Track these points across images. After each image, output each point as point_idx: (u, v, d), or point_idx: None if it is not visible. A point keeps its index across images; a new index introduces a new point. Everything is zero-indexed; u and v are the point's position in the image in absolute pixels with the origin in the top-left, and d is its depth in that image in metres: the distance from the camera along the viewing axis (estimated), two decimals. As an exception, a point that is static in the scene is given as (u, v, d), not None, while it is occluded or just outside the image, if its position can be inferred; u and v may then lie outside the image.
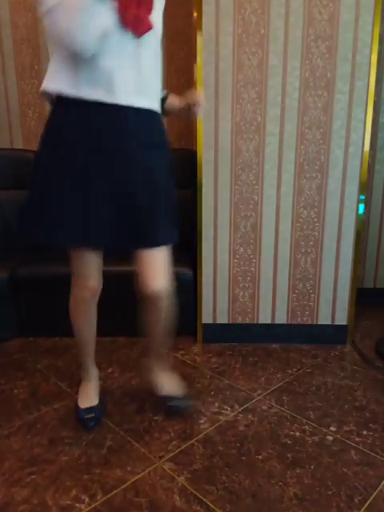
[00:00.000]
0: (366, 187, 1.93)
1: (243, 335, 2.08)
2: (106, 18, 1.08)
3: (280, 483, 1.22)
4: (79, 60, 1.12)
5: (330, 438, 1.41)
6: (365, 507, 1.14)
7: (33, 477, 1.24)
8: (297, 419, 1.51)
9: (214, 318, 2.07)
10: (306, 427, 1.46)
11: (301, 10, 1.75)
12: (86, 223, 1.21)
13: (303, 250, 1.99)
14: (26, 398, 1.64)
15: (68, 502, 1.15)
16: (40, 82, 2.50)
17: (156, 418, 1.51)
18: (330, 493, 1.18)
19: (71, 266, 1.39)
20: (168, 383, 1.55)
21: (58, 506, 1.14)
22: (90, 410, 1.49)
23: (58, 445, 1.37)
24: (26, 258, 2.21)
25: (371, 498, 1.16)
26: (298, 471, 1.26)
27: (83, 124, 1.18)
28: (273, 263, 2.01)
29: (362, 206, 1.92)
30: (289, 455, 1.33)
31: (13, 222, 2.44)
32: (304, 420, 1.50)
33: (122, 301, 2.11)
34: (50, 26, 1.10)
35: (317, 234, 1.97)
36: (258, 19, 1.76)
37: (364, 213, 1.96)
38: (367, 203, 2.49)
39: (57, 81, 1.17)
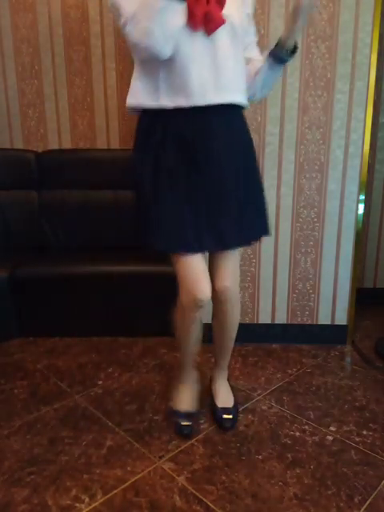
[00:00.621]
0: (365, 187, 1.93)
1: (243, 335, 2.07)
2: (176, 18, 1.10)
3: (280, 483, 1.22)
4: (156, 69, 1.17)
5: (330, 437, 1.41)
6: (365, 507, 1.14)
7: (33, 477, 1.24)
8: (297, 419, 1.51)
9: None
10: (306, 427, 1.46)
11: (301, 10, 1.75)
12: (194, 228, 1.22)
13: (303, 250, 1.99)
14: (25, 397, 1.64)
15: (68, 502, 1.15)
16: (40, 82, 2.51)
17: (156, 417, 1.51)
18: (329, 493, 1.18)
19: (178, 273, 1.29)
20: (224, 394, 1.54)
21: (57, 506, 1.14)
22: (189, 416, 1.45)
23: (57, 445, 1.37)
24: (26, 257, 2.21)
25: (371, 497, 1.16)
26: (297, 471, 1.26)
27: (168, 133, 1.20)
28: (273, 263, 2.01)
29: (361, 206, 1.92)
30: (289, 455, 1.33)
31: (13, 222, 2.44)
32: (304, 420, 1.50)
33: (122, 301, 2.11)
34: (127, 37, 1.12)
35: (317, 234, 1.97)
36: (258, 19, 1.76)
37: (364, 213, 1.96)
38: (367, 203, 2.49)
39: (137, 95, 1.22)
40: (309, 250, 1.99)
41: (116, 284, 2.08)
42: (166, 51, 1.11)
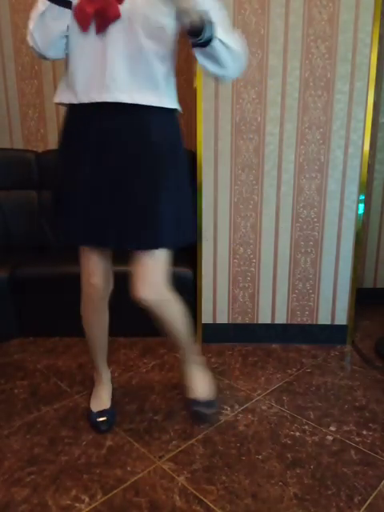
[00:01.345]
0: (365, 187, 1.93)
1: (243, 335, 2.08)
2: (59, 22, 1.14)
3: (280, 483, 1.22)
4: (65, 68, 1.22)
5: (330, 437, 1.41)
6: (365, 507, 1.14)
7: (33, 477, 1.24)
8: (297, 419, 1.51)
9: (214, 317, 2.07)
10: (306, 427, 1.46)
11: (301, 10, 1.75)
12: (87, 222, 1.24)
13: (303, 250, 1.99)
14: (26, 397, 1.64)
15: (68, 502, 1.15)
16: (40, 82, 2.51)
17: (156, 417, 1.51)
18: (329, 493, 1.18)
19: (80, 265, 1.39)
20: (196, 386, 1.48)
21: (58, 506, 1.14)
22: (102, 413, 1.47)
23: (57, 445, 1.37)
24: (26, 257, 2.21)
25: (371, 497, 1.17)
26: (297, 471, 1.26)
27: (72, 126, 1.25)
28: (273, 263, 2.01)
29: (361, 206, 1.92)
30: (289, 455, 1.33)
31: (13, 222, 2.44)
32: (304, 420, 1.50)
33: (122, 301, 2.11)
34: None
35: (317, 234, 1.97)
36: (258, 19, 1.76)
37: (364, 213, 1.96)
38: (367, 203, 2.48)
39: (57, 92, 1.27)
40: (309, 250, 1.99)
41: (116, 284, 2.08)
42: (48, 53, 1.20)
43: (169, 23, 1.14)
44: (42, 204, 2.44)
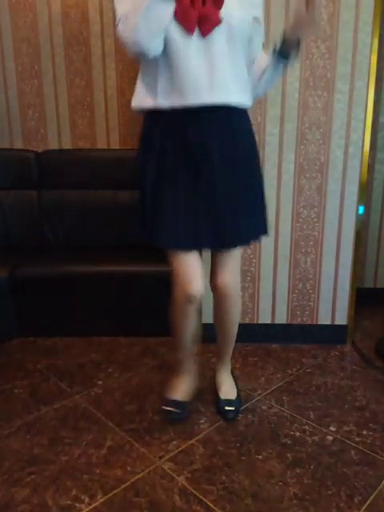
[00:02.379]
0: (366, 187, 1.93)
1: (243, 335, 2.07)
2: (164, 14, 1.11)
3: (280, 483, 1.22)
4: (155, 70, 1.21)
5: (330, 437, 1.41)
6: (365, 507, 1.14)
7: (33, 477, 1.24)
8: (297, 419, 1.51)
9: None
10: (306, 427, 1.46)
11: (301, 10, 1.75)
12: (189, 225, 1.26)
13: (303, 250, 1.99)
14: (25, 397, 1.64)
15: (68, 502, 1.15)
16: (40, 82, 2.51)
17: (156, 417, 1.51)
18: (329, 493, 1.18)
19: (174, 268, 1.34)
20: (227, 387, 1.58)
21: (58, 506, 1.14)
22: (179, 404, 1.48)
23: (57, 445, 1.37)
24: (26, 257, 2.21)
25: (371, 497, 1.17)
26: (297, 471, 1.26)
27: (167, 133, 1.24)
28: (273, 263, 2.01)
29: (361, 206, 1.92)
30: (289, 455, 1.33)
31: (13, 222, 2.44)
32: (304, 420, 1.50)
33: (122, 301, 2.11)
34: (119, 34, 1.16)
35: (317, 234, 1.97)
36: (258, 19, 1.76)
37: (364, 213, 1.96)
38: (367, 203, 2.49)
39: (138, 96, 1.27)
40: (309, 250, 1.99)
41: (116, 284, 2.08)
42: (153, 48, 1.15)
43: (250, 31, 1.24)
44: (42, 204, 2.44)
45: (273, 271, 2.02)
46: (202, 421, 1.49)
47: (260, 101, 1.83)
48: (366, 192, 1.95)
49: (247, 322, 2.07)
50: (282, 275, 2.02)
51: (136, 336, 2.14)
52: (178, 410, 1.47)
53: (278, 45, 1.24)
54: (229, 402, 1.53)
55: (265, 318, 2.07)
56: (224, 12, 1.16)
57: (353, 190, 1.91)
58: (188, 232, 1.26)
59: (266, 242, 1.98)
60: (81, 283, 2.09)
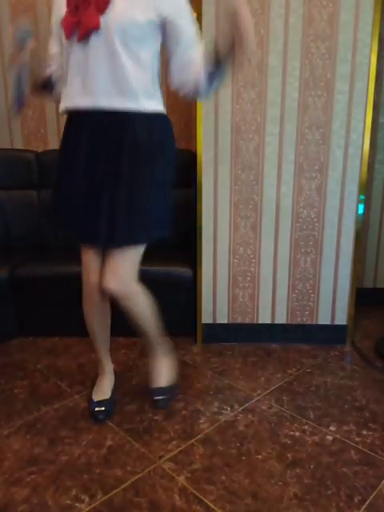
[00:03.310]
0: (365, 187, 1.93)
1: (243, 335, 2.08)
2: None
3: (280, 483, 1.22)
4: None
5: (330, 437, 1.41)
6: (364, 507, 1.14)
7: (33, 477, 1.24)
8: (297, 419, 1.51)
9: (214, 317, 2.07)
10: (306, 427, 1.46)
11: (301, 10, 1.75)
12: (81, 221, 1.33)
13: (303, 250, 1.99)
14: (25, 398, 1.64)
15: (68, 502, 1.15)
16: (40, 82, 2.51)
17: (156, 417, 1.51)
18: (329, 493, 1.18)
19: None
20: (157, 375, 1.60)
21: (58, 506, 1.14)
22: (100, 403, 1.53)
23: (57, 445, 1.37)
24: (26, 257, 2.21)
25: (371, 497, 1.17)
26: (297, 471, 1.26)
27: (66, 130, 1.36)
28: (273, 263, 2.01)
29: (361, 206, 1.92)
30: (289, 455, 1.33)
31: (13, 222, 2.44)
32: (304, 420, 1.50)
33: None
34: None
35: (317, 234, 1.97)
36: (258, 19, 1.76)
37: (364, 213, 1.96)
38: (367, 203, 2.49)
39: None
40: (309, 250, 1.99)
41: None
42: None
43: (146, 34, 1.22)
44: (42, 204, 2.44)
45: (273, 271, 2.02)
46: (202, 421, 1.49)
47: (260, 101, 1.83)
48: (365, 192, 1.95)
49: (247, 321, 2.07)
50: (281, 275, 2.02)
51: (136, 336, 2.13)
52: (105, 407, 1.52)
53: (212, 53, 1.22)
54: (157, 391, 1.57)
55: (265, 318, 2.07)
56: (108, 17, 1.18)
57: (353, 190, 1.91)
58: (83, 228, 1.33)
59: (266, 241, 1.98)
60: (81, 283, 2.09)
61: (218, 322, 2.08)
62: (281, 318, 2.07)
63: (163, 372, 1.60)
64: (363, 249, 2.58)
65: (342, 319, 2.06)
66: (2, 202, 2.43)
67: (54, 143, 2.58)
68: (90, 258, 1.40)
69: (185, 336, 2.12)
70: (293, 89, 1.82)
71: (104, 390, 1.57)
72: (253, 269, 2.02)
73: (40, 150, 2.53)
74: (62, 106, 1.32)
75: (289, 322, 2.08)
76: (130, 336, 2.13)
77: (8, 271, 2.06)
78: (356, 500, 1.16)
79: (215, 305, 2.06)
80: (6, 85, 2.53)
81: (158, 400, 1.56)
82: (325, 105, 1.83)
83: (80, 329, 2.16)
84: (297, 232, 1.97)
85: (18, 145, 2.60)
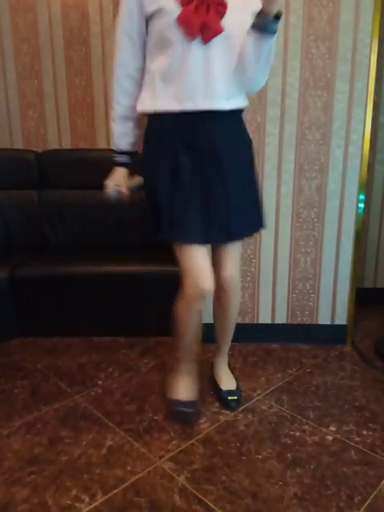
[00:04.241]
0: (365, 187, 1.93)
1: (243, 335, 2.08)
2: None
3: (280, 483, 1.22)
4: (153, 75, 1.26)
5: (330, 437, 1.41)
6: (364, 507, 1.14)
7: (33, 477, 1.24)
8: (297, 419, 1.51)
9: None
10: (306, 427, 1.46)
11: (301, 10, 1.75)
12: (202, 222, 1.31)
13: (303, 250, 1.99)
14: (25, 398, 1.64)
15: (68, 502, 1.15)
16: (40, 82, 2.51)
17: (156, 417, 1.51)
18: (329, 492, 1.18)
19: (183, 265, 1.36)
20: (227, 378, 1.64)
21: (58, 506, 1.14)
22: (192, 404, 1.49)
23: (57, 445, 1.37)
24: (26, 257, 2.21)
25: (371, 497, 1.17)
26: (297, 471, 1.26)
27: (174, 135, 1.28)
28: (273, 263, 2.01)
29: (361, 206, 1.92)
30: (289, 455, 1.33)
31: (13, 222, 2.44)
32: (304, 420, 1.50)
33: (122, 301, 2.11)
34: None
35: (317, 233, 1.97)
36: (258, 19, 1.76)
37: (364, 213, 1.96)
38: (367, 203, 2.48)
39: (142, 101, 1.32)
40: (309, 250, 1.99)
41: (116, 284, 2.08)
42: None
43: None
44: (42, 204, 2.44)
45: (273, 271, 2.02)
46: (202, 421, 1.49)
47: (260, 101, 1.83)
48: (365, 192, 1.95)
49: (247, 322, 2.07)
50: (281, 275, 2.02)
51: (136, 336, 2.14)
52: (189, 410, 1.47)
53: (257, 16, 1.18)
54: (231, 392, 1.58)
55: (265, 318, 2.07)
56: (225, 21, 1.19)
57: (353, 190, 1.91)
58: (198, 228, 1.29)
59: (266, 241, 1.98)
60: (81, 283, 2.09)
61: (218, 321, 2.07)
62: (281, 318, 2.07)
63: (231, 375, 1.66)
64: (363, 249, 2.58)
65: (342, 319, 2.06)
66: (2, 202, 2.43)
67: (54, 143, 2.58)
68: (205, 264, 1.34)
69: (185, 336, 2.12)
70: (293, 89, 1.82)
71: (192, 390, 1.51)
72: (253, 269, 2.02)
73: (40, 150, 2.53)
74: (163, 105, 1.26)
75: (289, 322, 2.07)
76: (130, 336, 2.14)
77: (8, 271, 2.06)
78: (356, 500, 1.16)
79: (215, 305, 2.06)
80: (6, 85, 2.53)
81: (232, 401, 1.56)
82: (325, 105, 1.83)
83: (80, 329, 2.17)
84: (297, 232, 1.97)
85: (18, 145, 2.60)
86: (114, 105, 1.36)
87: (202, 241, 1.32)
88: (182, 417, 1.47)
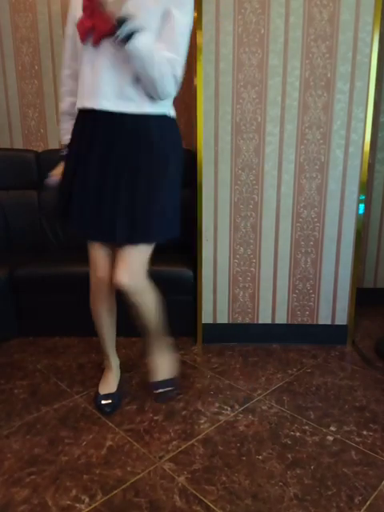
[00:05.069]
0: (366, 187, 1.93)
1: (243, 335, 2.08)
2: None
3: (280, 483, 1.22)
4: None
5: (330, 438, 1.41)
6: (365, 507, 1.13)
7: (33, 477, 1.24)
8: (297, 419, 1.50)
9: (214, 317, 2.07)
10: (306, 427, 1.46)
11: (301, 10, 1.75)
12: (93, 218, 1.35)
13: (303, 250, 1.99)
14: (25, 397, 1.63)
15: (68, 502, 1.15)
16: (40, 82, 2.51)
17: (156, 417, 1.51)
18: (330, 493, 1.18)
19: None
20: (158, 370, 1.62)
21: (57, 506, 1.14)
22: (107, 396, 1.57)
23: (57, 445, 1.37)
24: (26, 257, 2.21)
25: (371, 498, 1.16)
26: (297, 471, 1.26)
27: (77, 129, 1.39)
28: (273, 263, 2.01)
29: (362, 206, 1.92)
30: (289, 455, 1.33)
31: (13, 222, 2.44)
32: (304, 420, 1.50)
33: (122, 301, 2.10)
34: None
35: (317, 234, 1.97)
36: (258, 19, 1.76)
37: (364, 213, 1.96)
38: (367, 203, 2.48)
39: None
40: (309, 250, 1.99)
41: (116, 284, 2.08)
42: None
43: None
44: (42, 204, 2.44)
45: (273, 271, 2.02)
46: (202, 421, 1.49)
47: (260, 101, 1.83)
48: (366, 192, 1.95)
49: (247, 321, 2.07)
50: (282, 275, 2.02)
51: (136, 336, 2.13)
52: (112, 400, 1.56)
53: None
54: (158, 384, 1.60)
55: (265, 318, 2.07)
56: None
57: (353, 189, 1.91)
58: (96, 226, 1.35)
59: (266, 241, 1.98)
60: (81, 283, 2.07)
61: (218, 321, 2.07)
62: (281, 318, 2.07)
63: (164, 367, 1.63)
64: (363, 249, 2.58)
65: (342, 319, 2.06)
66: (2, 202, 2.43)
67: (54, 143, 2.58)
68: (99, 255, 1.43)
69: (185, 336, 2.12)
70: (293, 88, 1.82)
71: (110, 384, 1.62)
72: (253, 269, 2.02)
73: (40, 149, 2.53)
74: (80, 104, 1.33)
75: (289, 322, 2.07)
76: (130, 336, 2.13)
77: (8, 271, 2.06)
78: (356, 500, 1.16)
79: (215, 305, 2.06)
80: (6, 84, 2.53)
81: (158, 394, 1.58)
82: (325, 105, 1.83)
83: (80, 329, 2.17)
84: (297, 232, 1.97)
85: (18, 145, 2.60)
86: (60, 103, 1.50)
87: (82, 233, 1.40)
88: (106, 409, 1.53)
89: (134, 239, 1.36)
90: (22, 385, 1.72)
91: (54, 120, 2.55)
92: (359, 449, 1.36)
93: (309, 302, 2.05)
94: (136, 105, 1.29)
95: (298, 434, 1.43)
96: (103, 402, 1.55)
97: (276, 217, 1.95)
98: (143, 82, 1.26)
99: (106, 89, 1.27)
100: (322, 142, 1.87)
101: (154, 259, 2.09)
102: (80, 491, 1.19)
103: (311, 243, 1.98)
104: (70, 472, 1.26)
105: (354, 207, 1.93)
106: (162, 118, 1.35)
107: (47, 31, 2.45)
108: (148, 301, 1.48)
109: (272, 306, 2.06)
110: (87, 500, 1.16)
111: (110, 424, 1.47)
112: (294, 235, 1.97)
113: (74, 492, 1.19)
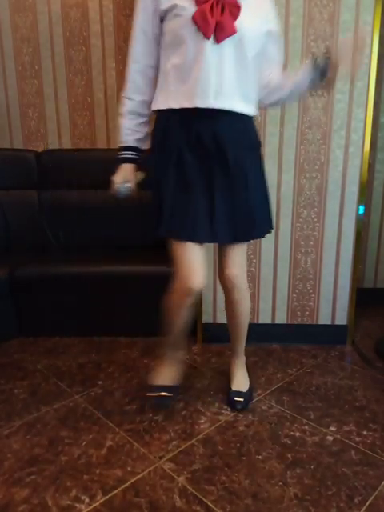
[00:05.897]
0: (366, 187, 1.93)
1: (243, 335, 2.08)
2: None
3: (280, 483, 1.22)
4: (167, 74, 1.28)
5: (330, 437, 1.41)
6: (365, 507, 1.13)
7: (33, 477, 1.24)
8: (297, 419, 1.50)
9: (214, 317, 2.07)
10: (306, 427, 1.46)
11: (301, 10, 1.75)
12: (195, 219, 1.31)
13: (303, 250, 1.99)
14: (25, 397, 1.63)
15: (68, 502, 1.15)
16: (40, 82, 2.51)
17: (156, 417, 1.51)
18: (330, 493, 1.18)
19: (176, 261, 1.39)
20: (239, 379, 1.63)
21: (57, 506, 1.14)
22: (169, 388, 1.52)
23: (58, 445, 1.37)
24: (26, 257, 2.21)
25: (371, 498, 1.16)
26: (298, 471, 1.26)
27: (182, 133, 1.29)
28: (273, 263, 2.01)
29: (362, 207, 1.92)
30: (289, 455, 1.33)
31: (13, 222, 2.44)
32: (304, 420, 1.50)
33: (122, 301, 2.11)
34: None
35: (317, 234, 1.97)
36: (258, 19, 1.75)
37: (364, 213, 1.96)
38: (367, 203, 2.48)
39: (155, 100, 1.34)
40: (309, 250, 1.99)
41: (116, 284, 2.08)
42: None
43: (261, 44, 1.30)
44: (42, 204, 2.44)
45: (273, 271, 2.02)
46: (202, 421, 1.49)
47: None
48: (366, 192, 1.95)
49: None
50: (282, 275, 2.02)
51: (136, 336, 2.13)
52: (169, 393, 1.51)
53: (312, 70, 1.33)
54: (238, 393, 1.57)
55: (265, 318, 2.07)
56: (239, 23, 1.21)
57: (353, 189, 1.91)
58: (201, 227, 1.31)
59: (266, 241, 1.98)
60: (81, 283, 2.09)
61: (218, 322, 2.07)
62: (281, 318, 2.07)
63: (245, 376, 1.66)
64: (363, 249, 2.58)
65: (342, 319, 2.06)
66: (2, 201, 2.43)
67: (53, 143, 2.58)
68: (195, 259, 1.35)
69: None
70: (293, 89, 1.82)
71: (174, 376, 1.55)
72: (253, 269, 2.02)
73: (40, 149, 2.53)
74: (171, 104, 1.28)
75: (289, 322, 2.07)
76: (130, 336, 2.14)
77: (8, 271, 2.06)
78: (356, 500, 1.16)
79: (215, 305, 2.06)
80: (6, 84, 2.53)
81: (237, 402, 1.55)
82: (325, 105, 1.83)
83: (80, 329, 2.17)
84: (297, 232, 1.97)
85: (18, 145, 2.60)
86: (125, 100, 1.38)
87: (203, 240, 1.34)
88: (160, 401, 1.51)
89: (242, 237, 1.39)
90: (22, 385, 1.72)
91: (54, 120, 2.56)
92: (359, 449, 1.36)
93: (309, 302, 2.05)
94: (253, 106, 1.34)
95: (297, 433, 1.43)
96: (164, 393, 1.50)
97: (276, 217, 1.95)
98: (286, 100, 1.43)
99: (232, 89, 1.25)
100: (321, 142, 1.87)
101: (154, 259, 2.10)
102: (80, 491, 1.19)
103: (311, 243, 1.98)
104: (70, 472, 1.26)
105: (354, 207, 1.93)
106: (254, 118, 1.39)
107: (47, 31, 2.45)
108: (247, 299, 1.54)
109: (272, 306, 2.06)
110: (87, 500, 1.16)
111: (110, 424, 1.47)
112: (294, 235, 1.97)
113: (74, 492, 1.19)
